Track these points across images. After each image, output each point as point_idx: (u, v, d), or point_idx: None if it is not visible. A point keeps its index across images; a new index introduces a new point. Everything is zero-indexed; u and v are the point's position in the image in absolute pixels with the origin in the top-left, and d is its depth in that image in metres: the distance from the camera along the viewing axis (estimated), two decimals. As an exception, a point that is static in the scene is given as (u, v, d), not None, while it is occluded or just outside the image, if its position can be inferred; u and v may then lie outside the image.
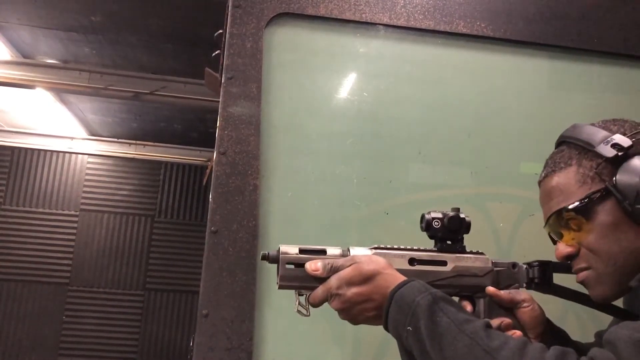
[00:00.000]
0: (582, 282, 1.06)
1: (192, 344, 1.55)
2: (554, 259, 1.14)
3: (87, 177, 7.08)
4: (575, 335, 1.19)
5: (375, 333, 1.59)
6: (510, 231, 1.71)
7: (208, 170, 6.68)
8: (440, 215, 1.09)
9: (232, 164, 1.58)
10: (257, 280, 1.51)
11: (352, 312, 1.01)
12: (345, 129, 1.71)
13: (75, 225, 6.94)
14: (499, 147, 1.77)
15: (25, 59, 5.20)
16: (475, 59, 1.81)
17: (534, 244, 1.66)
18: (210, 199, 1.56)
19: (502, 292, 1.09)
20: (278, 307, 1.53)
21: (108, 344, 6.77)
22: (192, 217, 7.22)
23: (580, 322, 1.61)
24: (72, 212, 6.97)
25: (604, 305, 1.08)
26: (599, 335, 1.15)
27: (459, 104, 1.78)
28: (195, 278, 6.57)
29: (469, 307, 1.09)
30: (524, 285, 1.14)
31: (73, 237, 6.91)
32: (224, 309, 1.48)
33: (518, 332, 1.05)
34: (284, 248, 1.05)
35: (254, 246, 1.53)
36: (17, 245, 6.76)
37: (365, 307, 1.00)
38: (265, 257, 1.05)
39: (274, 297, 1.53)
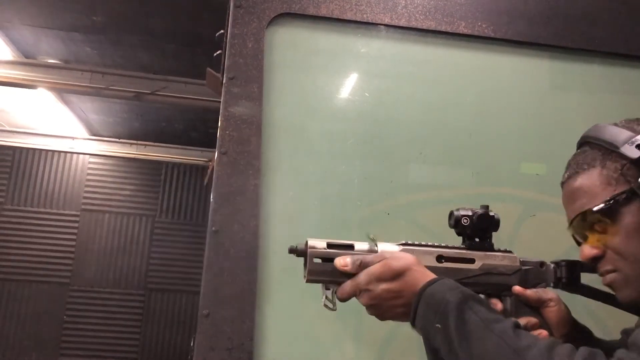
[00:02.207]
0: (608, 285, 1.04)
1: (193, 343, 1.55)
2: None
3: (88, 177, 7.08)
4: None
5: (377, 333, 1.59)
6: (511, 231, 1.71)
7: (209, 170, 6.68)
8: (469, 213, 1.08)
9: (234, 163, 1.58)
10: (258, 280, 1.51)
11: (381, 309, 1.01)
12: (346, 129, 1.71)
13: (77, 225, 6.94)
14: (500, 147, 1.77)
15: (27, 59, 5.20)
16: (477, 59, 1.81)
17: (535, 244, 1.67)
18: (211, 199, 1.56)
19: (528, 291, 1.08)
20: (279, 307, 1.53)
21: (109, 343, 6.77)
22: (193, 217, 7.22)
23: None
24: (74, 212, 6.97)
25: (632, 307, 1.06)
26: (626, 332, 1.14)
27: (460, 104, 1.78)
28: (196, 278, 6.58)
29: (499, 305, 1.08)
30: (552, 284, 1.13)
31: (74, 237, 6.91)
32: (225, 309, 1.48)
33: (544, 332, 1.05)
34: (311, 242, 1.03)
35: (255, 246, 1.53)
36: (18, 245, 6.76)
37: (394, 303, 0.99)
38: (293, 251, 1.04)
39: (275, 297, 1.53)
